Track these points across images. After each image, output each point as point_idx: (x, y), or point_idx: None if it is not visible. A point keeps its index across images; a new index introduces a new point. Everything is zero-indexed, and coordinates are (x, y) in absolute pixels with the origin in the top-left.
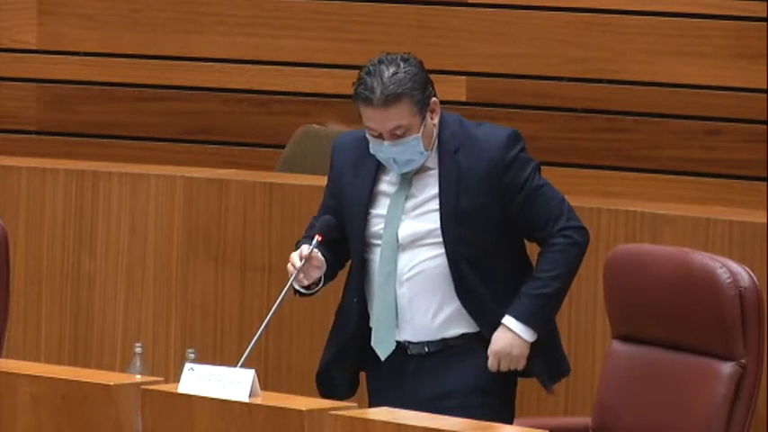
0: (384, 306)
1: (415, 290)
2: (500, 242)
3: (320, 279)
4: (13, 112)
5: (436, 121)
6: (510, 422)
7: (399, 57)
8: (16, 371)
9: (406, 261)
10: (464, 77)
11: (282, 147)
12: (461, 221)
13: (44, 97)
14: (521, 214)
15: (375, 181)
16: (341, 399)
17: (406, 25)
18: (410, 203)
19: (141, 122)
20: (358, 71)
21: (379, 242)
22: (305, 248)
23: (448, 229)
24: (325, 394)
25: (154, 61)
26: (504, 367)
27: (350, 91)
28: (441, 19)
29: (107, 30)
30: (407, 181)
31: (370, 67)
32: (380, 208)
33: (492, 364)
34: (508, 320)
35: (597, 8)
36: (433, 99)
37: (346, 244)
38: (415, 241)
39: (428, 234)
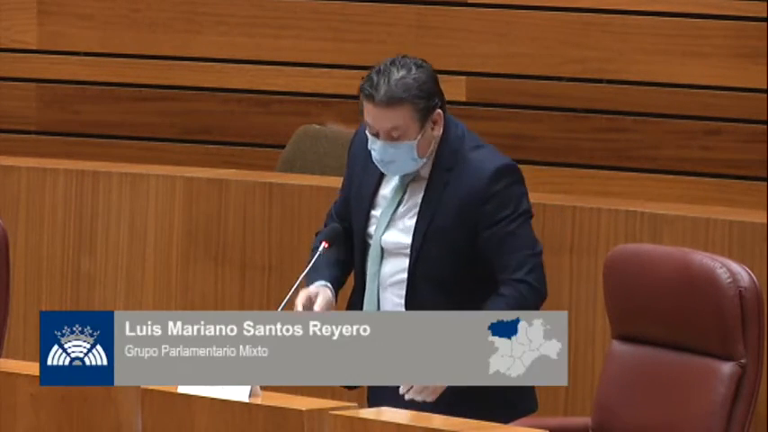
0: (370, 306)
1: (397, 296)
2: (465, 268)
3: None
4: (13, 112)
5: (438, 132)
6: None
7: (413, 62)
8: (16, 371)
9: (390, 268)
10: (464, 77)
11: (282, 147)
12: (430, 239)
13: (44, 97)
14: (485, 251)
15: (380, 181)
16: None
17: (406, 25)
18: (401, 210)
19: (141, 122)
20: (358, 71)
21: (372, 242)
22: (302, 295)
23: (415, 245)
24: None
25: (154, 61)
26: (415, 396)
27: (350, 91)
28: (441, 19)
29: (107, 30)
30: (403, 187)
31: (381, 66)
32: (379, 209)
33: (404, 388)
34: None
35: (597, 8)
36: (438, 111)
37: None
38: (397, 250)
39: (406, 246)
